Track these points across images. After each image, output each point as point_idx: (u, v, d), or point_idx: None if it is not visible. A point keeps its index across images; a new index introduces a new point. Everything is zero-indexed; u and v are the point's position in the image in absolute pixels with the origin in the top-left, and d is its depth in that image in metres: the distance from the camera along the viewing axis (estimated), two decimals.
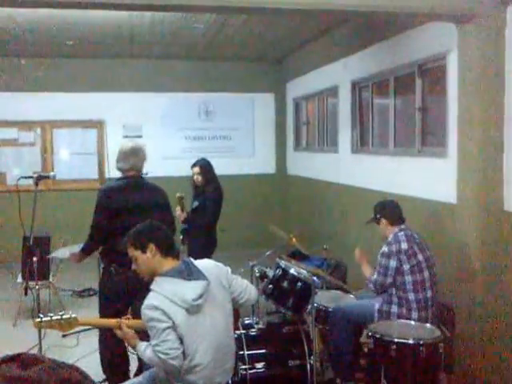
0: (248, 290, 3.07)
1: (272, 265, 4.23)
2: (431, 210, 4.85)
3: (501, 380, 4.01)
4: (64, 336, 4.30)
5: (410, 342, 3.36)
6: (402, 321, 3.75)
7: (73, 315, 3.01)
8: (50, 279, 5.88)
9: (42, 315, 3.03)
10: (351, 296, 4.50)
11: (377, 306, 3.90)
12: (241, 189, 8.82)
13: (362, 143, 6.53)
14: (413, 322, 3.71)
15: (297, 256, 5.49)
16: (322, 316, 4.08)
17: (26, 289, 4.12)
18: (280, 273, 4.05)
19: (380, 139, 6.15)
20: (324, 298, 4.30)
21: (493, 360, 4.03)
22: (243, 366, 3.68)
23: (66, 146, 8.90)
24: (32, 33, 6.84)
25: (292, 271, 4.02)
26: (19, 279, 5.88)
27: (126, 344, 3.17)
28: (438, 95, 4.93)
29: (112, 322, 3.04)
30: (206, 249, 5.04)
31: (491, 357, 4.04)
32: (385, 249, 3.88)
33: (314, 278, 3.96)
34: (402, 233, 3.91)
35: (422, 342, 3.35)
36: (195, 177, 5.35)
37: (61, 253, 5.06)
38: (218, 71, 9.06)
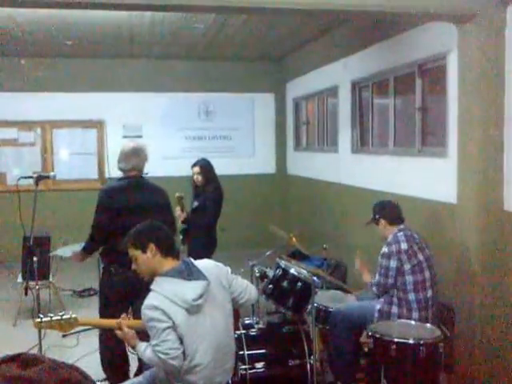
0: (248, 290, 3.07)
1: (272, 265, 4.23)
2: (431, 209, 4.85)
3: (500, 380, 4.01)
4: (64, 336, 4.30)
5: (410, 341, 3.36)
6: (402, 321, 3.74)
7: (73, 315, 3.01)
8: (50, 279, 5.88)
9: (42, 315, 3.03)
10: (351, 296, 4.50)
11: (377, 307, 3.90)
12: (241, 189, 8.82)
13: (362, 143, 6.53)
14: (413, 322, 3.70)
15: (297, 256, 5.50)
16: (322, 316, 4.08)
17: (26, 289, 4.11)
18: (280, 273, 4.05)
19: (380, 139, 6.15)
20: (324, 298, 4.30)
21: (493, 360, 4.03)
22: (243, 366, 3.68)
23: (66, 146, 8.90)
24: (32, 33, 6.84)
25: (292, 271, 4.03)
26: (19, 279, 5.88)
27: (126, 344, 3.17)
28: (438, 95, 4.93)
29: (112, 322, 3.04)
30: (206, 249, 5.04)
31: (491, 357, 4.04)
32: (385, 249, 3.88)
33: (314, 278, 3.96)
34: (402, 233, 3.91)
35: (422, 342, 3.34)
36: (195, 177, 5.35)
37: (63, 251, 5.06)
38: (218, 71, 9.06)
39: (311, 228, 7.93)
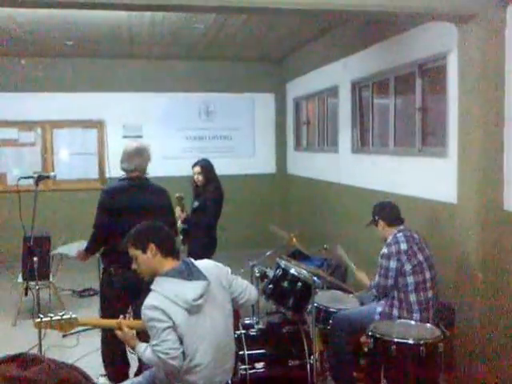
0: (248, 291, 3.07)
1: (272, 265, 4.23)
2: (431, 209, 4.85)
3: (501, 380, 4.00)
4: (64, 336, 4.32)
5: (410, 341, 3.36)
6: (402, 321, 3.74)
7: (73, 315, 3.01)
8: (51, 279, 5.88)
9: (42, 315, 3.03)
10: (351, 296, 4.50)
11: (378, 309, 3.89)
12: (241, 189, 8.82)
13: (362, 143, 6.53)
14: (413, 322, 3.70)
15: (297, 256, 5.50)
16: (322, 316, 4.08)
17: (26, 289, 4.12)
18: (280, 273, 4.05)
19: (380, 139, 6.15)
20: (324, 298, 4.30)
21: (493, 360, 4.03)
22: (243, 366, 3.68)
23: (66, 146, 8.90)
24: (32, 33, 6.84)
25: (292, 271, 4.02)
26: (19, 279, 5.88)
27: (126, 345, 3.17)
28: (438, 95, 4.93)
29: (112, 322, 3.04)
30: (206, 249, 5.04)
31: (491, 357, 4.04)
32: (384, 250, 3.87)
33: (315, 278, 3.95)
34: (401, 234, 3.90)
35: (422, 342, 3.34)
36: (196, 176, 5.35)
37: (68, 249, 5.07)
38: (218, 71, 9.06)
39: (311, 228, 7.93)
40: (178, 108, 9.14)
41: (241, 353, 3.68)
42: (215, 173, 5.41)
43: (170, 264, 2.84)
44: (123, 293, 3.92)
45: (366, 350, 3.54)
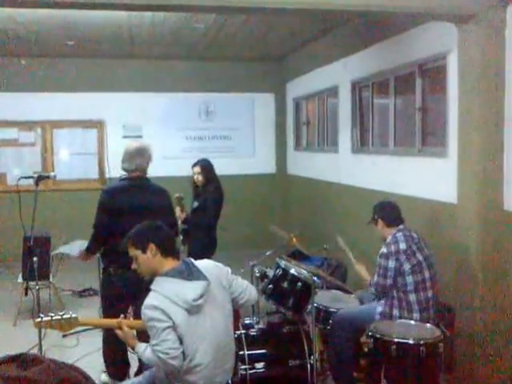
0: (248, 291, 3.07)
1: (272, 265, 4.23)
2: (431, 209, 4.85)
3: (501, 380, 4.00)
4: (64, 336, 4.31)
5: (410, 341, 3.36)
6: (402, 321, 3.74)
7: (73, 315, 3.01)
8: (51, 279, 5.88)
9: (42, 315, 3.03)
10: (351, 296, 4.50)
11: (379, 310, 3.89)
12: (241, 189, 8.82)
13: (362, 143, 6.53)
14: (413, 322, 3.70)
15: (297, 256, 5.50)
16: (322, 316, 4.08)
17: (26, 289, 4.12)
18: (280, 273, 4.05)
19: (380, 139, 6.15)
20: (324, 298, 4.30)
21: (493, 360, 4.03)
22: (243, 366, 3.68)
23: (66, 146, 8.90)
24: (32, 33, 6.84)
25: (292, 271, 4.02)
26: (19, 279, 5.88)
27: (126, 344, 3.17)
28: (438, 95, 4.93)
29: (113, 321, 3.04)
30: (206, 249, 5.03)
31: (491, 357, 4.04)
32: (383, 250, 3.88)
33: (315, 278, 3.96)
34: (401, 233, 3.91)
35: (422, 342, 3.34)
36: (196, 176, 5.35)
37: (68, 249, 5.07)
38: (218, 71, 9.06)
39: (311, 228, 7.93)
40: (178, 108, 9.14)
41: (241, 353, 3.68)
42: (215, 173, 5.40)
43: (170, 264, 2.84)
44: (123, 293, 3.92)
45: (366, 350, 3.54)
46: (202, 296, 2.74)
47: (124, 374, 4.16)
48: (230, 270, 3.04)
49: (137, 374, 3.95)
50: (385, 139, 5.94)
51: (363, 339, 3.67)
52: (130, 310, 3.89)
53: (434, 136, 5.10)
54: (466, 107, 4.12)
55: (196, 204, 5.38)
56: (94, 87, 8.65)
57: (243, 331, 3.86)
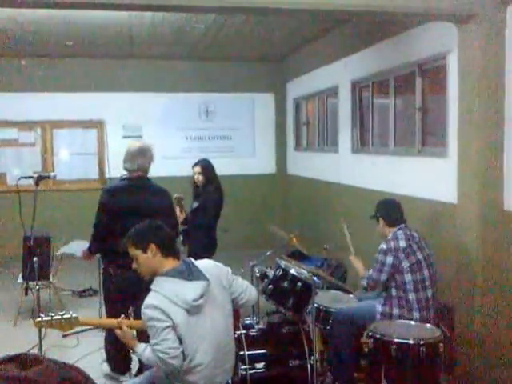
0: (248, 291, 3.07)
1: (272, 265, 4.23)
2: (431, 209, 4.85)
3: (501, 380, 4.00)
4: (64, 336, 4.31)
5: (410, 341, 3.36)
6: (403, 321, 3.74)
7: (73, 315, 3.00)
8: (51, 279, 5.88)
9: (42, 315, 3.03)
10: (351, 296, 4.50)
11: (379, 310, 3.90)
12: (241, 189, 8.82)
13: (362, 143, 6.53)
14: (413, 322, 3.70)
15: (297, 256, 5.49)
16: (322, 316, 4.08)
17: (26, 289, 4.12)
18: (280, 273, 4.05)
19: (380, 139, 6.15)
20: (324, 298, 4.30)
21: (493, 360, 4.03)
22: (243, 366, 3.68)
23: (66, 146, 8.90)
24: (32, 33, 6.84)
25: (292, 271, 4.02)
26: (19, 279, 5.88)
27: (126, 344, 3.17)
28: (438, 95, 4.93)
29: (113, 321, 3.04)
30: (206, 250, 5.02)
31: (491, 357, 4.04)
32: (383, 245, 3.88)
33: (315, 278, 3.95)
34: (401, 231, 3.91)
35: (422, 342, 3.34)
36: (196, 176, 5.34)
37: (72, 249, 5.07)
38: (218, 71, 9.06)
39: (311, 228, 7.93)
40: (178, 108, 9.14)
41: (241, 353, 3.68)
42: (215, 173, 5.40)
43: (170, 264, 2.84)
44: (122, 293, 3.92)
45: (366, 350, 3.54)
46: (202, 296, 2.74)
47: (126, 368, 4.18)
48: (230, 270, 3.04)
49: (137, 374, 3.95)
50: (385, 139, 5.94)
51: (363, 339, 3.67)
52: (131, 310, 3.90)
53: (434, 136, 5.11)
54: (466, 107, 4.12)
55: (196, 204, 5.38)
56: (93, 87, 8.65)
57: (243, 331, 3.86)
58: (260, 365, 3.74)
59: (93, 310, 5.61)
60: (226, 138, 9.38)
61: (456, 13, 4.01)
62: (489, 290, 4.03)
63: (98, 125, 8.89)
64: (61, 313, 3.01)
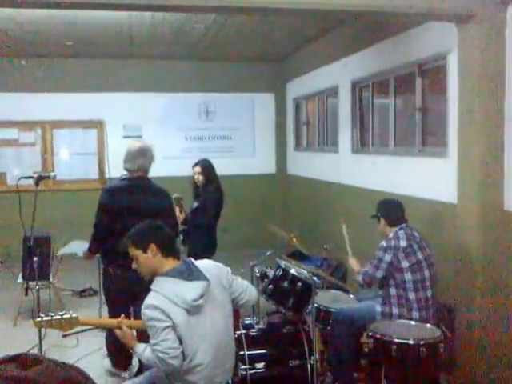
0: (248, 291, 3.07)
1: (272, 265, 4.23)
2: (431, 210, 4.85)
3: (501, 380, 4.00)
4: (64, 336, 4.31)
5: (411, 342, 3.36)
6: (403, 321, 3.74)
7: (73, 315, 3.00)
8: (51, 279, 5.87)
9: (42, 314, 3.02)
10: (351, 296, 4.50)
11: (379, 310, 3.89)
12: (241, 189, 8.82)
13: (362, 143, 6.53)
14: (413, 322, 3.70)
15: (297, 256, 5.49)
16: (322, 316, 4.08)
17: (26, 289, 4.12)
18: (280, 273, 4.05)
19: (380, 139, 6.15)
20: (324, 298, 4.30)
21: (493, 360, 4.03)
22: (243, 366, 3.68)
23: (66, 146, 8.90)
24: (32, 33, 6.84)
25: (292, 271, 4.02)
26: (19, 279, 5.87)
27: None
28: (438, 95, 4.93)
29: (113, 321, 3.04)
30: (206, 250, 5.01)
31: (491, 357, 4.03)
32: (383, 243, 3.89)
33: (315, 278, 3.96)
34: (402, 231, 3.91)
35: (422, 342, 3.34)
36: (196, 176, 5.34)
37: (74, 248, 5.06)
38: (218, 71, 9.06)
39: (311, 228, 7.93)
40: (178, 108, 9.14)
41: (241, 353, 3.68)
42: (216, 173, 5.39)
43: (170, 264, 2.84)
44: (122, 293, 3.92)
45: (366, 350, 3.54)
46: (201, 296, 2.74)
47: (127, 364, 4.18)
48: (230, 270, 3.04)
49: (137, 374, 3.95)
50: (385, 139, 5.94)
51: (363, 339, 3.67)
52: (131, 310, 3.89)
53: (434, 136, 5.10)
54: (466, 107, 4.12)
55: (196, 204, 5.38)
56: (94, 87, 8.65)
57: (243, 331, 3.86)
58: (260, 365, 3.74)
59: (93, 310, 5.61)
60: (225, 138, 9.38)
61: (456, 13, 4.00)
62: (489, 290, 4.03)
63: (98, 125, 8.89)
64: (61, 313, 3.01)
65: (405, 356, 3.36)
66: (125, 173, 4.17)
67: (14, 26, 6.44)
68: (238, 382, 3.64)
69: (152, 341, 2.71)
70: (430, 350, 3.34)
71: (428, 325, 3.67)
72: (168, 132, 9.04)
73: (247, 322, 4.07)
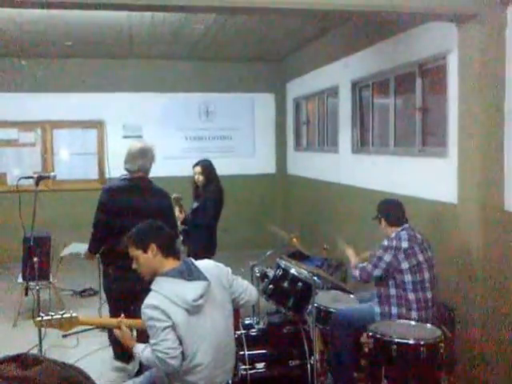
0: (248, 291, 3.07)
1: (272, 265, 4.23)
2: (432, 210, 4.85)
3: (500, 380, 4.00)
4: (64, 336, 4.31)
5: (411, 342, 3.36)
6: (402, 321, 3.74)
7: (73, 314, 3.01)
8: (51, 279, 5.87)
9: (42, 314, 3.03)
10: (352, 296, 4.50)
11: (377, 310, 3.89)
12: (241, 189, 8.82)
13: (362, 143, 6.53)
14: (413, 322, 3.70)
15: (297, 256, 5.49)
16: (322, 316, 4.08)
17: (26, 289, 4.12)
18: (280, 273, 4.04)
19: (380, 139, 6.15)
20: (324, 299, 4.30)
21: (493, 360, 4.03)
22: (244, 366, 3.68)
23: (66, 146, 8.89)
24: (32, 33, 6.83)
25: (292, 271, 4.02)
26: (19, 279, 5.87)
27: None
28: (438, 95, 4.93)
29: (113, 321, 3.04)
30: (206, 250, 5.01)
31: (491, 357, 4.03)
32: (385, 242, 3.88)
33: (315, 278, 3.95)
34: (405, 232, 3.90)
35: (422, 342, 3.34)
36: (196, 176, 5.34)
37: (77, 248, 5.06)
38: (218, 71, 9.06)
39: (312, 228, 7.93)
40: (178, 108, 9.14)
41: (241, 353, 3.68)
42: (216, 173, 5.39)
43: (170, 264, 2.84)
44: (122, 293, 3.92)
45: (366, 350, 3.54)
46: (201, 296, 2.74)
47: (130, 357, 4.19)
48: (230, 270, 3.04)
49: (137, 374, 3.95)
50: (385, 139, 5.94)
51: (363, 339, 3.67)
52: (132, 309, 3.89)
53: (434, 136, 5.10)
54: (465, 107, 4.12)
55: (195, 205, 5.37)
56: (93, 87, 8.65)
57: (243, 331, 3.86)
58: (260, 365, 3.74)
59: (93, 310, 5.61)
60: (225, 138, 9.38)
61: (456, 13, 4.01)
62: (489, 289, 4.02)
63: (98, 125, 8.89)
64: (61, 312, 3.01)
65: (405, 356, 3.36)
66: (125, 173, 4.17)
67: (14, 26, 6.44)
68: (238, 382, 3.63)
69: (152, 341, 2.71)
70: (430, 350, 3.33)
71: (428, 325, 3.66)
72: (168, 132, 9.04)
73: (247, 321, 4.07)
